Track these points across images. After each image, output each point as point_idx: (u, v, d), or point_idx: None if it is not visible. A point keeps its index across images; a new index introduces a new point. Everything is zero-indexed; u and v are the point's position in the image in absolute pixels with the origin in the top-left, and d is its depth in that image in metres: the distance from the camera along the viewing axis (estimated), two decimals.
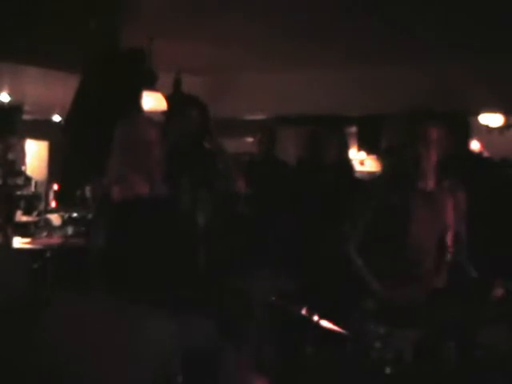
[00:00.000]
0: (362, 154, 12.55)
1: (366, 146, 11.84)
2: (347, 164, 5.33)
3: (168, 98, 3.95)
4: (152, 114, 4.24)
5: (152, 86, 7.10)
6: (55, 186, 8.08)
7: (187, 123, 4.16)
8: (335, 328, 3.41)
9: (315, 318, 3.36)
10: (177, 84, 7.67)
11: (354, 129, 11.77)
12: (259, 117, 8.74)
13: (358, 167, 12.92)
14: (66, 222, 6.83)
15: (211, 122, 4.07)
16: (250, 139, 6.13)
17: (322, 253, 4.59)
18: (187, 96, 4.44)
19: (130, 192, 3.29)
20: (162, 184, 3.39)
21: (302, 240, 4.85)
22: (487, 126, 9.35)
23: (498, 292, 3.47)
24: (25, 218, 7.60)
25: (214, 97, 8.29)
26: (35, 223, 7.35)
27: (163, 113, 3.95)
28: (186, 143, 4.15)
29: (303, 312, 3.34)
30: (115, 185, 3.30)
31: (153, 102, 6.93)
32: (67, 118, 6.37)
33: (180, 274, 3.35)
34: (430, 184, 3.82)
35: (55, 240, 6.50)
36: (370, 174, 12.68)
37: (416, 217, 3.78)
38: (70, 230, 6.75)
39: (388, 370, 3.26)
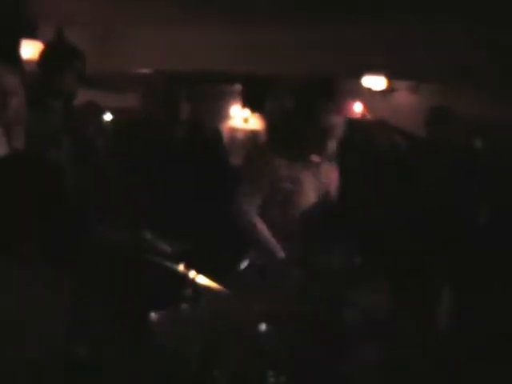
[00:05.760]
0: (246, 112, 12.56)
1: (251, 104, 11.85)
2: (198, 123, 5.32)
3: (47, 46, 3.81)
4: (31, 62, 4.09)
5: (32, 35, 6.86)
6: None
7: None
8: (213, 284, 3.42)
9: (192, 273, 3.36)
10: (59, 34, 7.42)
11: (238, 86, 11.76)
12: (144, 71, 8.59)
13: (241, 124, 12.96)
14: None
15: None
16: (134, 94, 6.01)
17: (203, 211, 4.62)
18: (68, 44, 4.29)
19: None
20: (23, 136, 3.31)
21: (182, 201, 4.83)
22: (370, 89, 9.47)
23: None
24: None
25: (99, 50, 8.11)
26: None
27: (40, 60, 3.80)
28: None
29: (180, 268, 3.34)
30: None
31: (32, 50, 6.71)
32: None
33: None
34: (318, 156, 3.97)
35: None
36: (254, 132, 12.75)
37: (303, 188, 3.94)
38: None
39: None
